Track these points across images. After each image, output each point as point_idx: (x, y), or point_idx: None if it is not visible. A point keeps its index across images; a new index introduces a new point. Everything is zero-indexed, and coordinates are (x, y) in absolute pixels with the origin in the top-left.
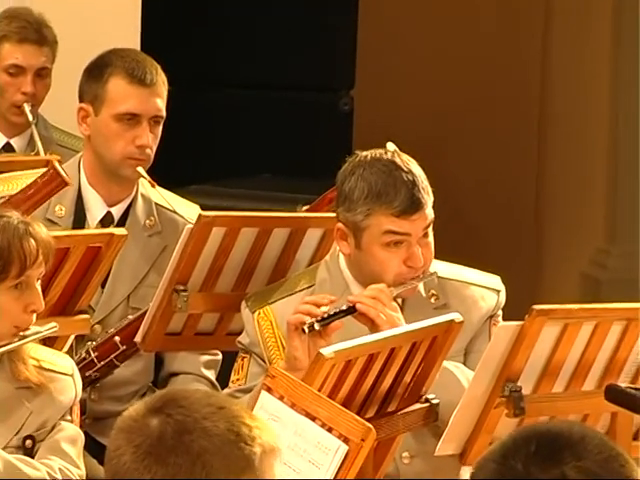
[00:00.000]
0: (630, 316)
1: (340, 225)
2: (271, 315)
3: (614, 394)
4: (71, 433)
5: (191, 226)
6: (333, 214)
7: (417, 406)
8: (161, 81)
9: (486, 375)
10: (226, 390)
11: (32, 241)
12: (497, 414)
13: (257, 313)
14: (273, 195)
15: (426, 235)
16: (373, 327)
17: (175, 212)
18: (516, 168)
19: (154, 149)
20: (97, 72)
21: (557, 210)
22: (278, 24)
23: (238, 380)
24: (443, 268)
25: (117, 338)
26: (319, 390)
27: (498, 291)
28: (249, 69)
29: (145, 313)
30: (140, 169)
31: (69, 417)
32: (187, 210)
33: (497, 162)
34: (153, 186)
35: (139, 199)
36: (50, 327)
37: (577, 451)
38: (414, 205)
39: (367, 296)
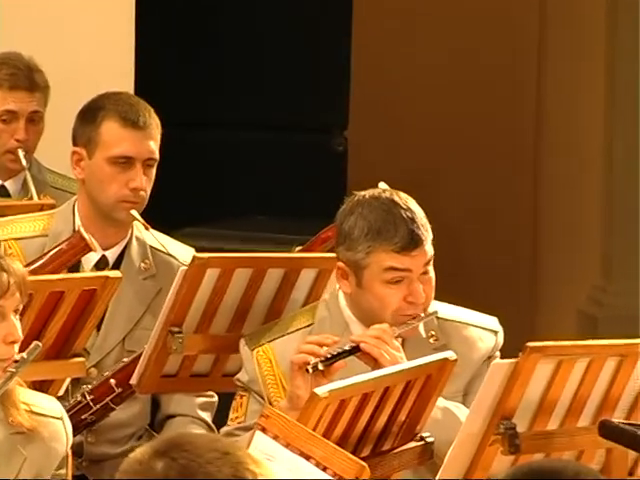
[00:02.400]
0: (623, 352)
1: (341, 264)
2: (270, 353)
3: (608, 430)
4: None
5: (185, 268)
6: (327, 254)
7: (412, 444)
8: (154, 124)
9: (481, 412)
10: (225, 428)
11: (3, 273)
12: (492, 452)
13: (256, 351)
14: (267, 236)
15: (426, 272)
16: (376, 366)
17: (170, 254)
18: (512, 205)
19: (148, 192)
20: (90, 115)
21: (553, 247)
22: (271, 65)
23: (237, 418)
24: (442, 308)
25: (113, 381)
26: (314, 429)
27: (496, 332)
28: (243, 110)
29: (140, 355)
30: (134, 212)
31: (63, 471)
32: (182, 252)
33: (492, 200)
34: (147, 228)
35: (134, 242)
36: (33, 348)
37: None
38: (414, 241)
39: (370, 335)
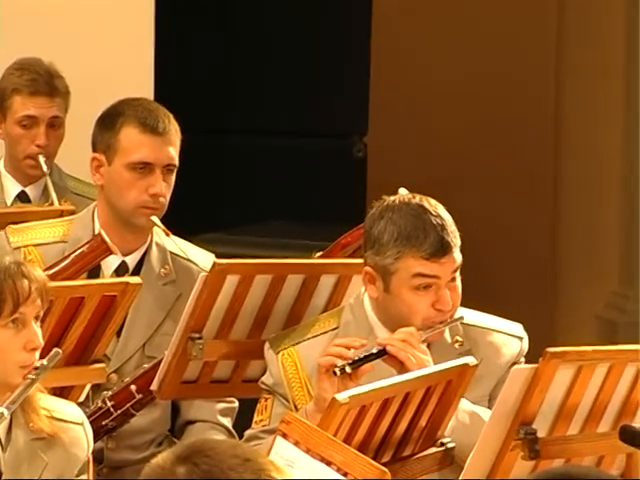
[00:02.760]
0: None
1: (368, 269)
2: (295, 356)
3: (629, 435)
4: None
5: (205, 274)
6: (347, 260)
7: (433, 450)
8: (174, 130)
9: (501, 418)
10: (249, 431)
11: (24, 280)
12: (512, 457)
13: (281, 354)
14: (287, 242)
15: (454, 279)
16: (402, 370)
17: (189, 260)
18: (532, 212)
19: (168, 198)
20: (109, 122)
21: (573, 254)
22: (291, 71)
23: (262, 421)
24: (467, 314)
25: (133, 387)
26: (334, 435)
27: (521, 338)
28: (262, 116)
29: (161, 361)
30: (154, 218)
31: (84, 476)
32: (202, 258)
33: (512, 206)
34: (167, 235)
35: (153, 248)
36: (53, 355)
37: None
38: (443, 248)
39: (397, 339)
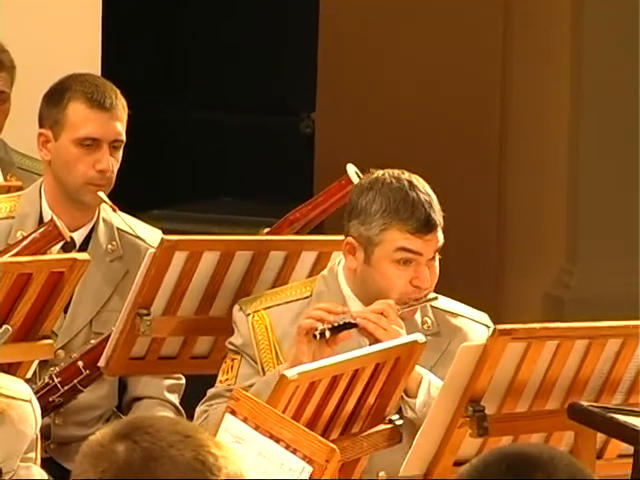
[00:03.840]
0: (592, 334)
1: (350, 239)
2: (267, 320)
3: (577, 412)
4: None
5: (153, 250)
6: (296, 237)
7: (381, 427)
8: (121, 105)
9: (450, 395)
10: (213, 389)
11: None
12: (461, 434)
13: (252, 316)
14: (234, 218)
15: (434, 259)
16: (375, 342)
17: (137, 236)
18: (477, 191)
19: (115, 173)
20: (56, 97)
21: (518, 231)
22: (239, 47)
23: (227, 380)
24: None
25: (80, 363)
26: (283, 412)
27: (488, 327)
28: (211, 93)
29: (108, 337)
30: (101, 194)
31: (32, 454)
32: (149, 234)
33: (458, 184)
34: (115, 211)
35: (101, 224)
36: (2, 332)
37: (548, 471)
38: (429, 225)
39: (373, 310)
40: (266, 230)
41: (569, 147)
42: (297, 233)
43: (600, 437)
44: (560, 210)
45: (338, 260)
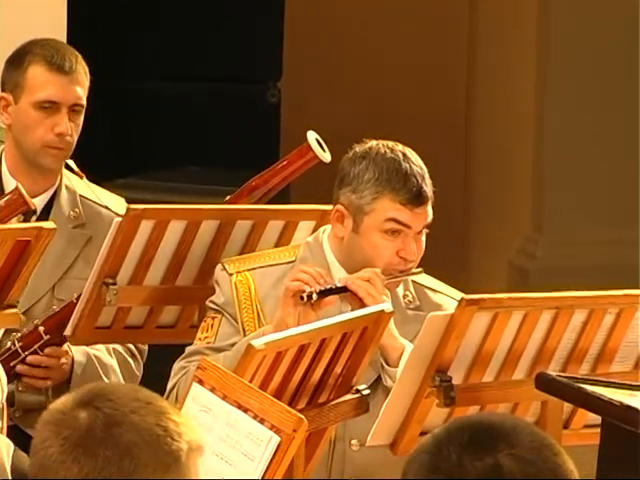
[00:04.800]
0: (559, 305)
1: (340, 207)
2: (250, 281)
3: (544, 382)
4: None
5: (120, 219)
6: (261, 206)
7: (348, 397)
8: (82, 69)
9: (416, 365)
10: (192, 347)
11: None
12: (428, 404)
13: (235, 276)
14: (200, 187)
15: (421, 233)
16: (361, 308)
17: (100, 204)
18: (443, 160)
19: (75, 138)
20: (17, 61)
21: (484, 201)
22: (204, 16)
23: (207, 338)
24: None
25: (42, 328)
26: (250, 381)
27: None
28: (177, 62)
29: (71, 304)
30: (70, 162)
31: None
32: (112, 202)
33: (424, 154)
34: (81, 177)
35: (63, 190)
36: None
37: (510, 440)
38: (421, 197)
39: (361, 277)
40: (227, 198)
41: (535, 116)
42: (258, 201)
43: (567, 407)
44: (526, 180)
45: (323, 228)
